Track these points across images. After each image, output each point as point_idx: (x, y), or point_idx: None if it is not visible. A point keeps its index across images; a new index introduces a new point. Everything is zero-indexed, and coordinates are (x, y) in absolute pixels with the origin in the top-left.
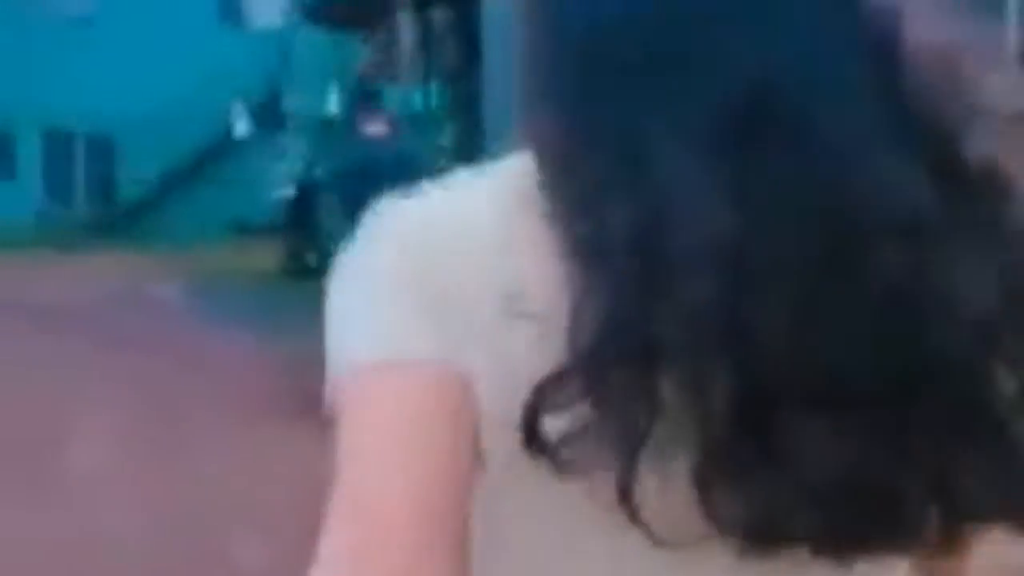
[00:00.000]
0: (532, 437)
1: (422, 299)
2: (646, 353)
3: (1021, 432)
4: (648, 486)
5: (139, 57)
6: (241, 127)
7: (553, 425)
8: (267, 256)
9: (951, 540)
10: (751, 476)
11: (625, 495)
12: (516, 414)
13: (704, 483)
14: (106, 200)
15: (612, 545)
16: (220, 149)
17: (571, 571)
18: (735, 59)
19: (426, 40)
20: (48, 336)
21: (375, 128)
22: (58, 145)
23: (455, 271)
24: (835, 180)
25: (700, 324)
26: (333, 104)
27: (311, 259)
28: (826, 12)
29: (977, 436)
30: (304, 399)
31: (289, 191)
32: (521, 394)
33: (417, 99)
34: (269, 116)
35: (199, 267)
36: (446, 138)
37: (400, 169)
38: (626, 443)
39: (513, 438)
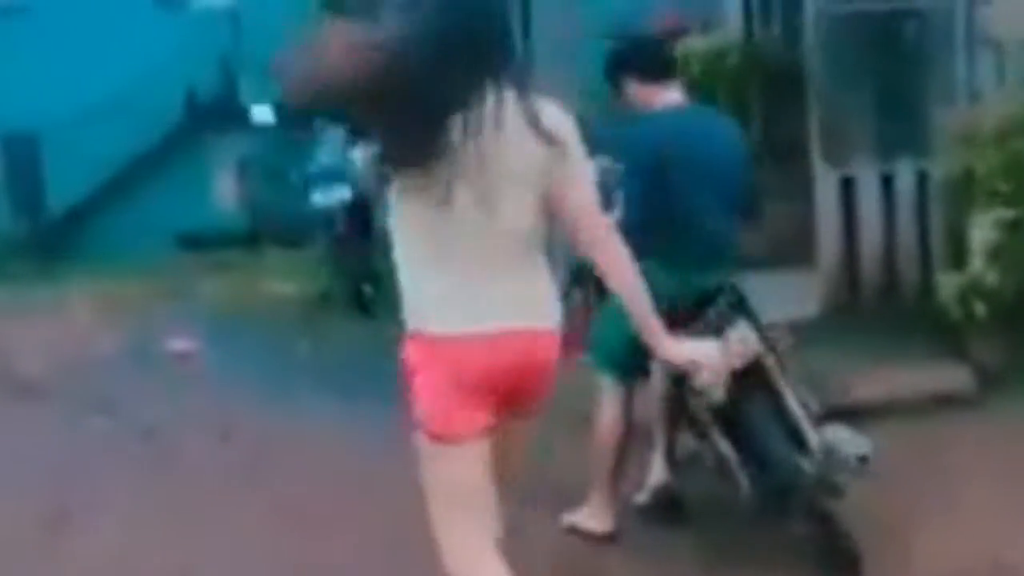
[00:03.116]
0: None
1: None
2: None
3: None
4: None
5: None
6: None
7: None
8: (245, 278)
9: None
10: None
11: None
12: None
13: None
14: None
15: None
16: (163, 150)
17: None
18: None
19: None
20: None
21: None
22: None
23: None
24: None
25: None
26: None
27: (366, 289)
28: None
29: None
30: None
31: (342, 194)
32: None
33: None
34: (222, 109)
35: (185, 295)
36: None
37: None
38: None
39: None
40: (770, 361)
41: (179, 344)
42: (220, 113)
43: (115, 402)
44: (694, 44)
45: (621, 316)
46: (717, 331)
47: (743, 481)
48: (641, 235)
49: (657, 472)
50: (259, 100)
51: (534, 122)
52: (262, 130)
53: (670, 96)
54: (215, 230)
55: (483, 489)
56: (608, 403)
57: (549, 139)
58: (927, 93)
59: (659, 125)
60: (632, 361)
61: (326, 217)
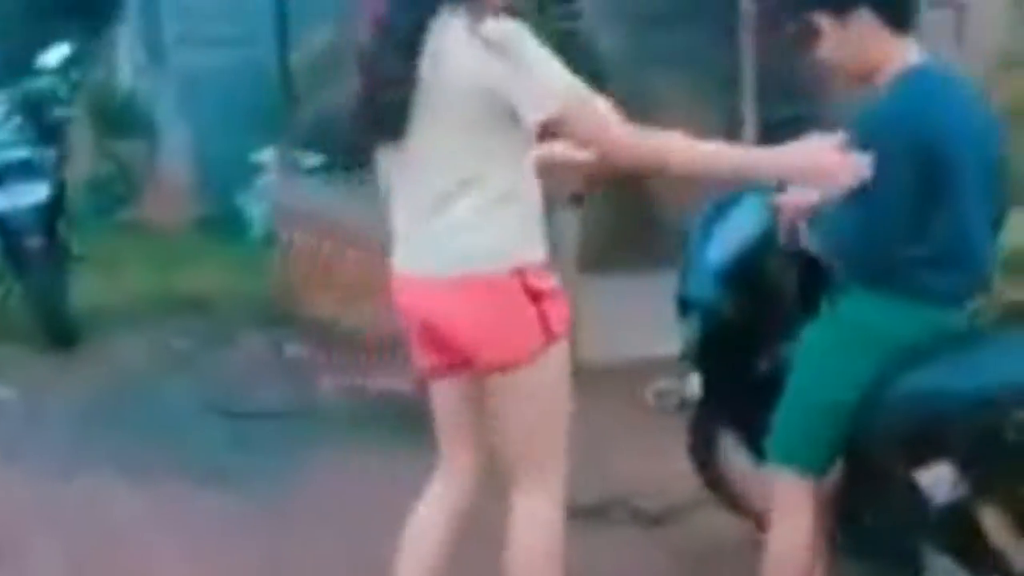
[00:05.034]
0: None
1: None
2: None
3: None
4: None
5: None
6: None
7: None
8: None
9: None
10: None
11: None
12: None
13: None
14: None
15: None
16: None
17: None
18: None
19: None
20: None
21: None
22: None
23: None
24: None
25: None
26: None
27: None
28: None
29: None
30: None
31: (35, 195)
32: None
33: None
34: None
35: None
36: None
37: None
38: None
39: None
40: None
41: None
42: None
43: None
44: None
45: (806, 394)
46: None
47: None
48: (886, 258)
49: None
50: None
51: None
52: None
53: (909, 54)
54: None
55: (451, 423)
56: (790, 510)
57: None
58: None
59: (923, 100)
60: (826, 448)
61: (5, 226)
